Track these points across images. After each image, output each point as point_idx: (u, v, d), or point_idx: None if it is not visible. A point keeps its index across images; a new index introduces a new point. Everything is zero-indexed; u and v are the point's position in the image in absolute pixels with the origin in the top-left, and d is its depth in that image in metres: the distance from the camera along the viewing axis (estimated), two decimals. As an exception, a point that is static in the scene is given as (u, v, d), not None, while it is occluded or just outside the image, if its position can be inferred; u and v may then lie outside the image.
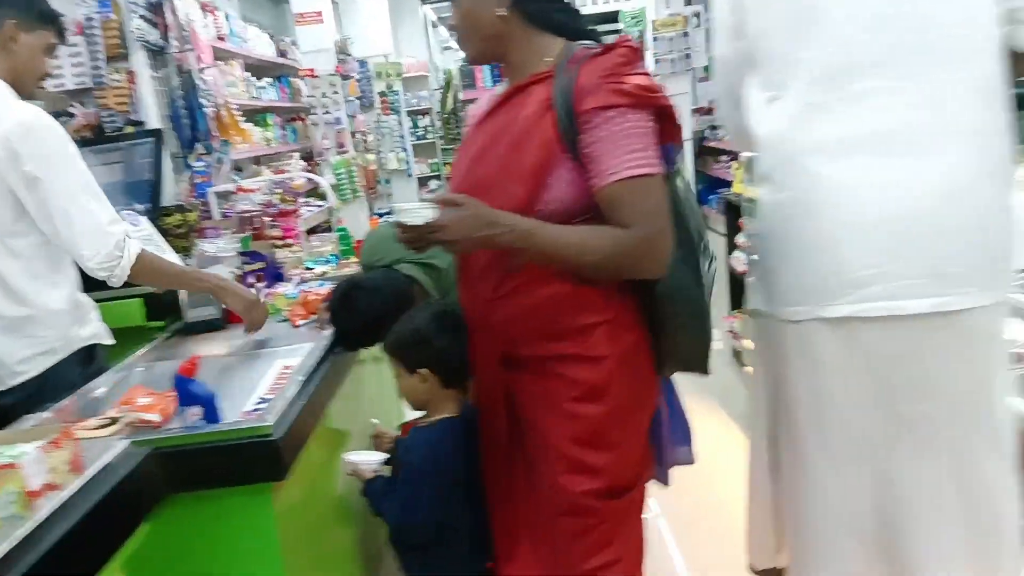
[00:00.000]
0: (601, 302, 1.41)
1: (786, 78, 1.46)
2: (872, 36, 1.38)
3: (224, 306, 2.26)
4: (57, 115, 2.33)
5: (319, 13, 6.81)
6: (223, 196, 3.29)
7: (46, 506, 1.05)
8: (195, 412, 1.62)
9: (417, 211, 1.28)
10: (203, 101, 3.11)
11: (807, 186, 1.43)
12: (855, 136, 1.39)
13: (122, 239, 1.87)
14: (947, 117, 1.37)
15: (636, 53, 1.35)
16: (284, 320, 2.44)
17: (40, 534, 1.00)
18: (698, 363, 1.54)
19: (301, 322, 2.33)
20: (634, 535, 1.56)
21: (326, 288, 2.52)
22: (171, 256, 2.56)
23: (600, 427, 1.42)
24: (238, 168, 4.37)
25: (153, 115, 2.94)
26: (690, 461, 1.68)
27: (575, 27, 1.45)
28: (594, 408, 1.41)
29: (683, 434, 1.67)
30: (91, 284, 2.03)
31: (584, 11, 6.03)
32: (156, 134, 2.85)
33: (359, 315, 1.91)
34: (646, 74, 1.34)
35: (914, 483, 1.48)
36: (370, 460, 1.80)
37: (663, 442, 1.61)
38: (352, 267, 2.89)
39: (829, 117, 1.40)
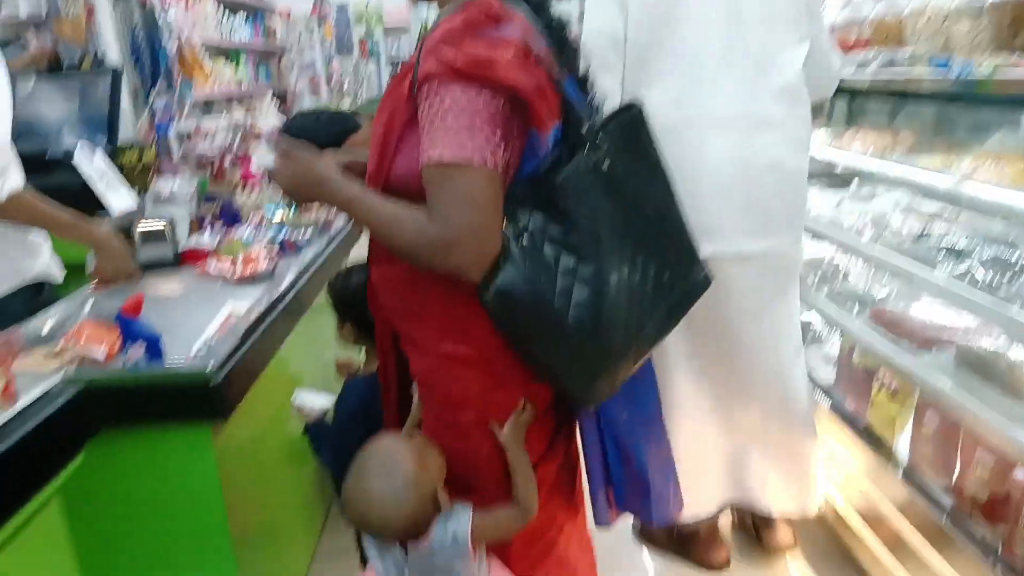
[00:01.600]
0: (439, 292, 1.25)
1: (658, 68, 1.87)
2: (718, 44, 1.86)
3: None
4: (6, 43, 2.27)
5: (297, -48, 6.62)
6: (184, 136, 3.24)
7: (-25, 433, 1.08)
8: (138, 350, 1.64)
9: (263, 155, 1.32)
10: (165, 38, 3.04)
11: (680, 155, 1.52)
12: (711, 117, 1.86)
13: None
14: (768, 110, 1.88)
15: (489, 15, 1.13)
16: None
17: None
18: (576, 391, 1.30)
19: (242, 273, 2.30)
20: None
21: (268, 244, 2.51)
22: (123, 193, 2.55)
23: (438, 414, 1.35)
24: (207, 106, 4.30)
25: (112, 49, 2.88)
26: (651, 519, 1.52)
27: None
28: (425, 394, 1.36)
29: (637, 485, 1.47)
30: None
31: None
32: (113, 71, 2.79)
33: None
34: (504, 42, 1.11)
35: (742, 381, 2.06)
36: (318, 402, 1.82)
37: (595, 477, 1.48)
38: (311, 212, 2.88)
39: (692, 102, 1.85)
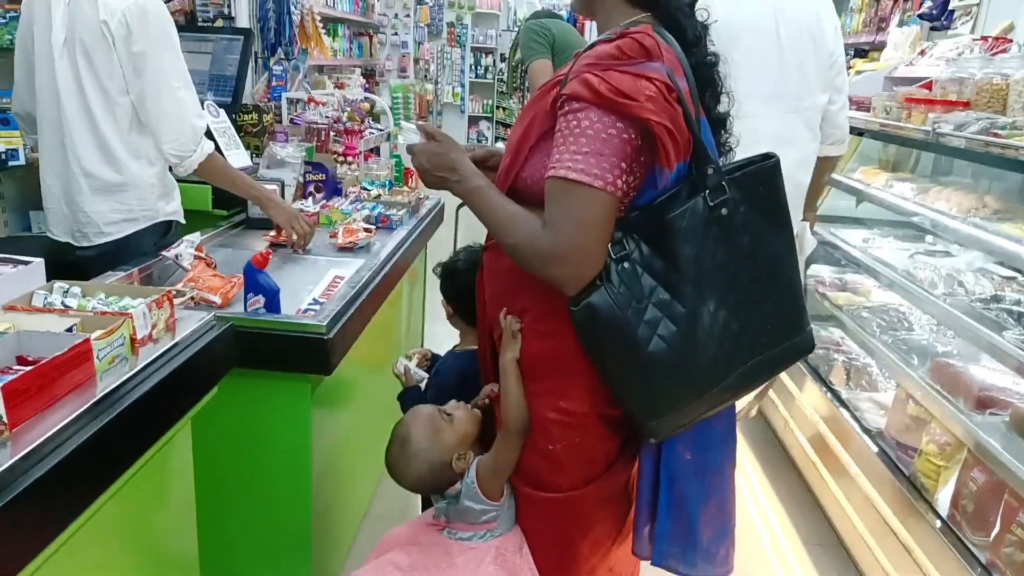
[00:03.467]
0: (539, 294, 1.30)
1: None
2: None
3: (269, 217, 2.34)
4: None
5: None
6: (293, 103, 3.44)
7: (146, 354, 1.25)
8: (258, 300, 1.82)
9: (407, 131, 1.43)
10: (292, 7, 3.22)
11: None
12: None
13: (201, 134, 2.05)
14: (793, 133, 2.41)
15: (642, 47, 1.18)
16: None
17: (140, 376, 1.20)
18: (641, 420, 1.31)
19: (343, 242, 2.48)
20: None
21: (371, 216, 2.68)
22: (241, 153, 2.74)
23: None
24: (315, 75, 4.50)
25: (244, 13, 3.07)
26: (693, 574, 1.41)
27: (664, 3, 1.27)
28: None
29: (683, 534, 1.39)
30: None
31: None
32: (246, 32, 2.99)
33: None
34: (648, 77, 1.16)
35: None
36: (418, 370, 1.96)
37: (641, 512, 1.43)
38: (405, 193, 3.05)
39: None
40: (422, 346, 3.06)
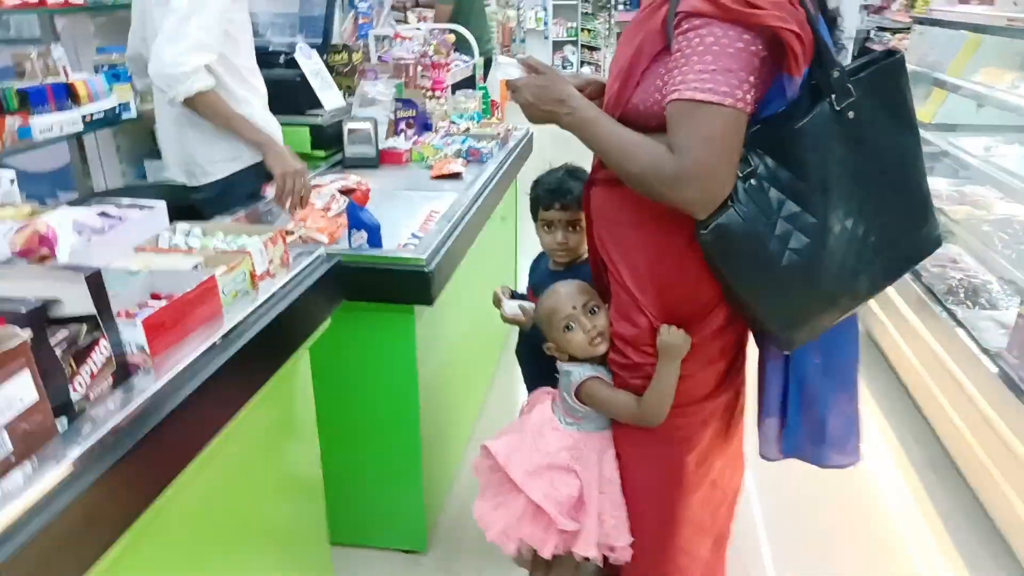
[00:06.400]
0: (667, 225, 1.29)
1: None
2: None
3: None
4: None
5: None
6: (380, 40, 3.45)
7: (265, 288, 1.33)
8: (361, 236, 1.88)
9: (506, 66, 1.39)
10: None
11: None
12: None
13: (191, 68, 1.96)
14: None
15: None
16: (428, 167, 2.66)
17: (263, 309, 1.28)
18: (777, 335, 1.34)
19: (437, 175, 2.52)
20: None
21: (462, 150, 2.68)
22: (335, 93, 2.79)
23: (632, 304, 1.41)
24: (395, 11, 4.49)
25: (327, -48, 3.06)
26: (821, 463, 1.48)
27: None
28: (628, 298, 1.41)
29: (815, 431, 1.45)
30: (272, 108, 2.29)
31: None
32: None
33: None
34: None
35: None
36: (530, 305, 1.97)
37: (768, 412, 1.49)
38: (493, 125, 3.05)
39: None
40: (516, 277, 3.11)
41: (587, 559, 1.54)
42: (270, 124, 2.25)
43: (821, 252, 1.20)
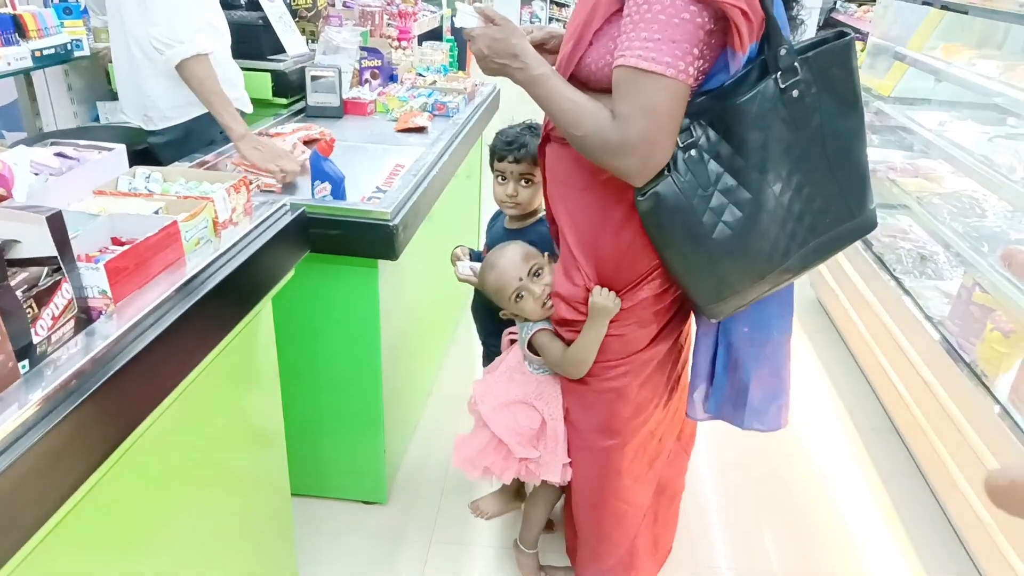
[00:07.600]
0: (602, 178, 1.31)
1: None
2: None
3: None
4: None
5: None
6: (345, -14, 3.35)
7: (228, 237, 1.30)
8: (324, 188, 1.86)
9: (465, 14, 1.36)
10: None
11: None
12: None
13: (185, 35, 1.94)
14: None
15: None
16: (393, 120, 2.62)
17: (226, 256, 1.26)
18: (703, 303, 1.36)
19: (402, 128, 2.49)
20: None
21: (427, 104, 2.65)
22: (297, 38, 2.71)
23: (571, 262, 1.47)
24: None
25: None
26: (742, 426, 1.53)
27: None
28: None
29: (736, 394, 1.50)
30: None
31: None
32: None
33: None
34: None
35: None
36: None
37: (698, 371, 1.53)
38: (459, 80, 3.00)
39: None
40: (478, 235, 3.10)
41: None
42: (232, 70, 2.19)
43: (753, 228, 1.22)
